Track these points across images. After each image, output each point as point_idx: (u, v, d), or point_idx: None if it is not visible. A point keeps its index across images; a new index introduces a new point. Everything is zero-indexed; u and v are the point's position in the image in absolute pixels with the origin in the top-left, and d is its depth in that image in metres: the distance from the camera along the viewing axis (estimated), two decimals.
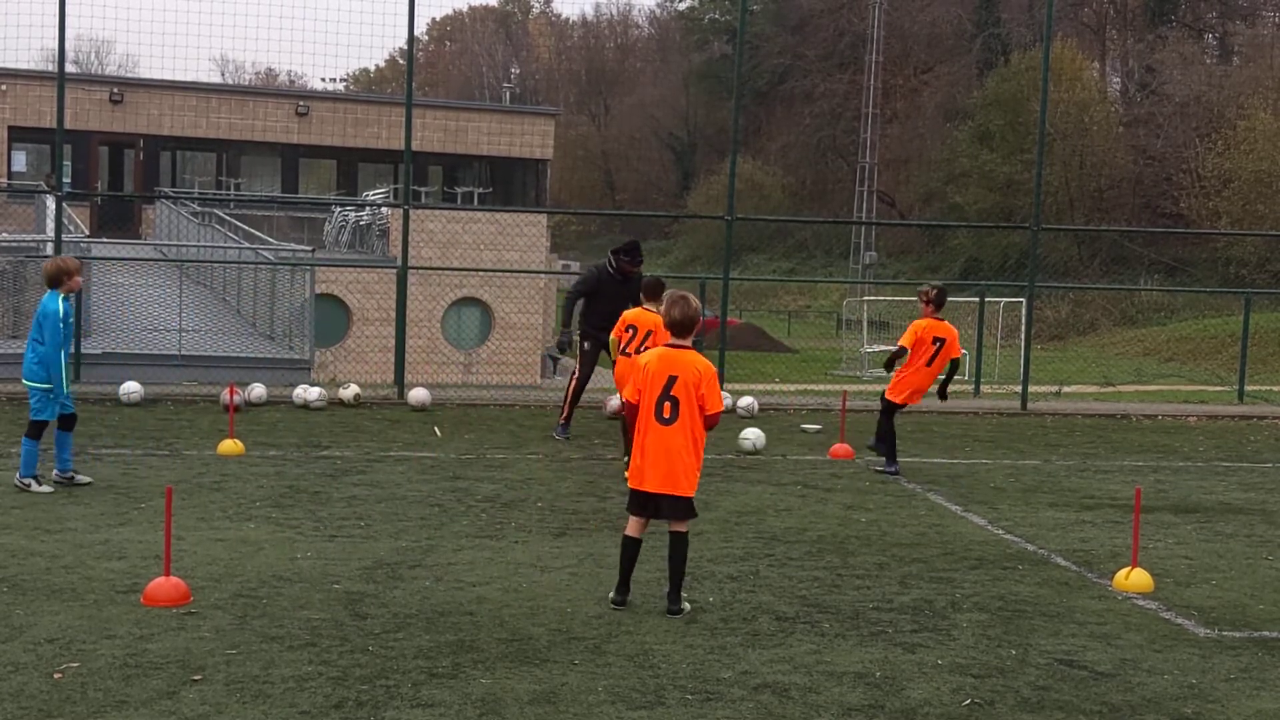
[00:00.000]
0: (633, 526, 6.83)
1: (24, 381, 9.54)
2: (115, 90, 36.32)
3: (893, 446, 11.62)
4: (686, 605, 6.80)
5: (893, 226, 61.27)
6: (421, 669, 5.78)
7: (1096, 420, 16.44)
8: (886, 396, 11.58)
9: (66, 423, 9.67)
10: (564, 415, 13.23)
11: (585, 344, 13.37)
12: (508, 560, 7.87)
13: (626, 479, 6.94)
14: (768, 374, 24.72)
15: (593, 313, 13.13)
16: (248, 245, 23.04)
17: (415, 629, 6.38)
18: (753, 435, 12.75)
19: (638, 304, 12.99)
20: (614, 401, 14.99)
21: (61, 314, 9.33)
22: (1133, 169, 53.24)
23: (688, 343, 6.76)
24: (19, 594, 6.79)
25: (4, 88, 34.11)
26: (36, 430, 9.47)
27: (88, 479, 9.76)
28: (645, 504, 6.75)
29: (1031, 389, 17.91)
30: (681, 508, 6.71)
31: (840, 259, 64.86)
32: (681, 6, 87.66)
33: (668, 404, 6.59)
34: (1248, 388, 19.63)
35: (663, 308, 6.88)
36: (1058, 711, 5.53)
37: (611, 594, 6.90)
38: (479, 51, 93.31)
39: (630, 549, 6.84)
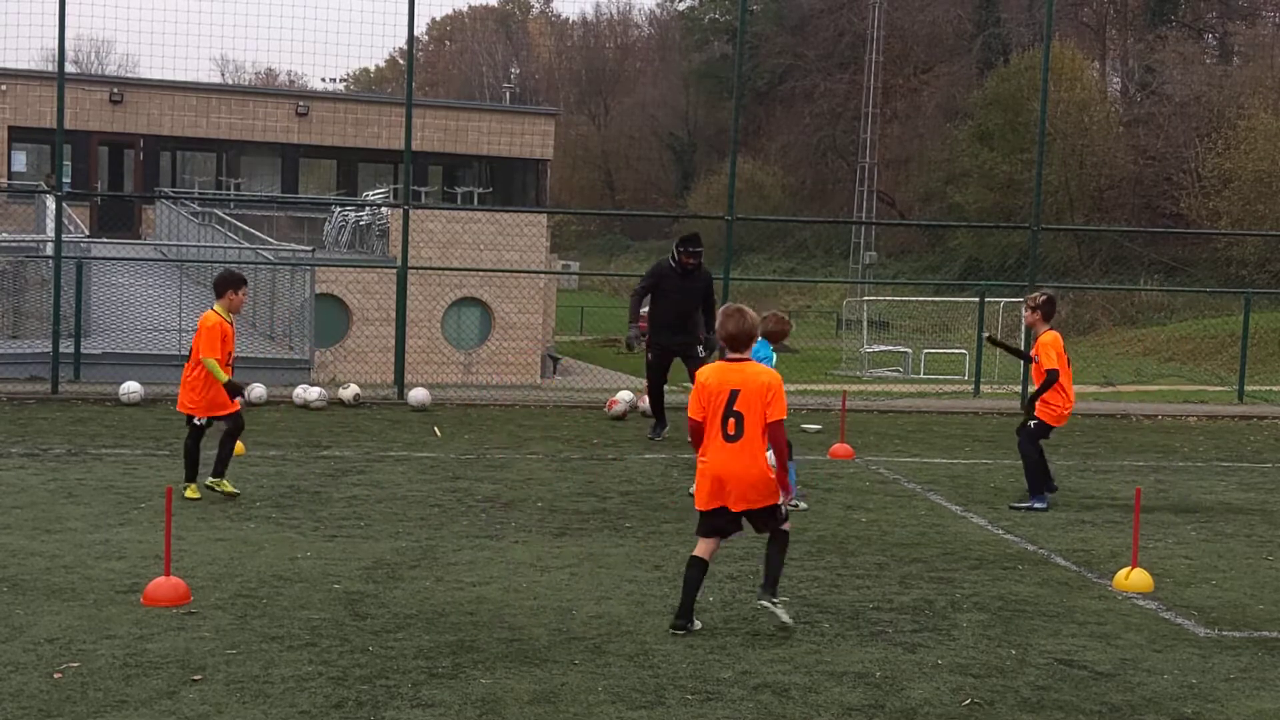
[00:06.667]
0: (704, 548, 6.49)
1: None
2: (115, 90, 36.31)
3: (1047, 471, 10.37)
4: (780, 604, 6.54)
5: (893, 226, 61.25)
6: (421, 669, 5.78)
7: (1096, 420, 16.43)
8: (1047, 422, 10.20)
9: None
10: (655, 421, 13.25)
11: (649, 352, 13.03)
12: (508, 560, 7.87)
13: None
14: None
15: (656, 311, 12.87)
16: (248, 245, 23.04)
17: (415, 629, 6.38)
18: None
19: (697, 301, 12.72)
20: (620, 404, 14.97)
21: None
22: (1133, 169, 53.19)
23: (746, 356, 6.55)
24: (19, 594, 6.79)
25: (4, 88, 34.09)
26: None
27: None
28: (723, 522, 6.50)
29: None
30: (774, 514, 6.53)
31: (840, 259, 64.85)
32: (681, 6, 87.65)
33: (732, 420, 6.36)
34: (1248, 388, 19.62)
35: (718, 321, 6.61)
36: (1058, 711, 5.53)
37: (675, 619, 6.49)
38: (479, 51, 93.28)
39: (698, 570, 6.47)
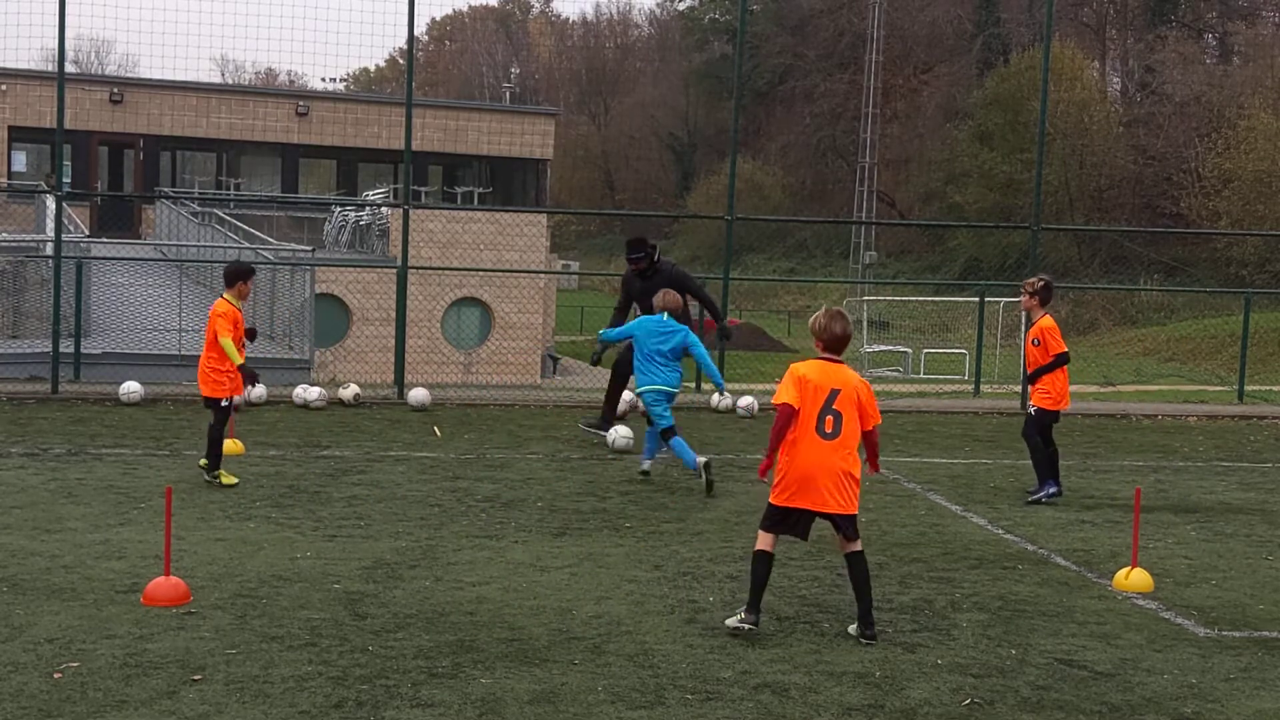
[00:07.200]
0: (768, 541, 6.48)
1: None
2: (115, 90, 36.32)
3: (1055, 463, 10.44)
4: (875, 636, 6.44)
5: (893, 226, 61.28)
6: (421, 669, 5.78)
7: (1096, 420, 16.43)
8: (1048, 409, 10.39)
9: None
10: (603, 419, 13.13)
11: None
12: (508, 560, 7.87)
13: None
14: (768, 374, 24.67)
15: (639, 313, 13.02)
16: (248, 245, 23.04)
17: (415, 629, 6.38)
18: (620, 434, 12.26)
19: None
20: (620, 404, 14.94)
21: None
22: (1133, 169, 53.22)
23: (841, 358, 6.57)
24: (19, 594, 6.79)
25: (4, 88, 34.11)
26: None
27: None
28: (794, 522, 6.50)
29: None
30: (853, 526, 6.51)
31: (840, 259, 64.86)
32: (681, 6, 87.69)
33: (830, 418, 6.38)
34: (1248, 388, 19.61)
35: (821, 322, 6.56)
36: (1058, 711, 5.53)
37: (740, 615, 6.43)
38: (479, 51, 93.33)
39: (766, 565, 6.45)
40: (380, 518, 8.99)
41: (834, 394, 6.40)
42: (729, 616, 6.52)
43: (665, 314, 10.99)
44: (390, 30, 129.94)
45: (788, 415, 6.40)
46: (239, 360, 9.86)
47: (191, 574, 7.18)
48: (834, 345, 6.54)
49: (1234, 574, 8.16)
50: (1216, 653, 6.44)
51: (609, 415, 13.07)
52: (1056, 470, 10.44)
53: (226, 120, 37.55)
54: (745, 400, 15.77)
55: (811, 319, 6.65)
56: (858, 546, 6.52)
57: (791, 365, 6.58)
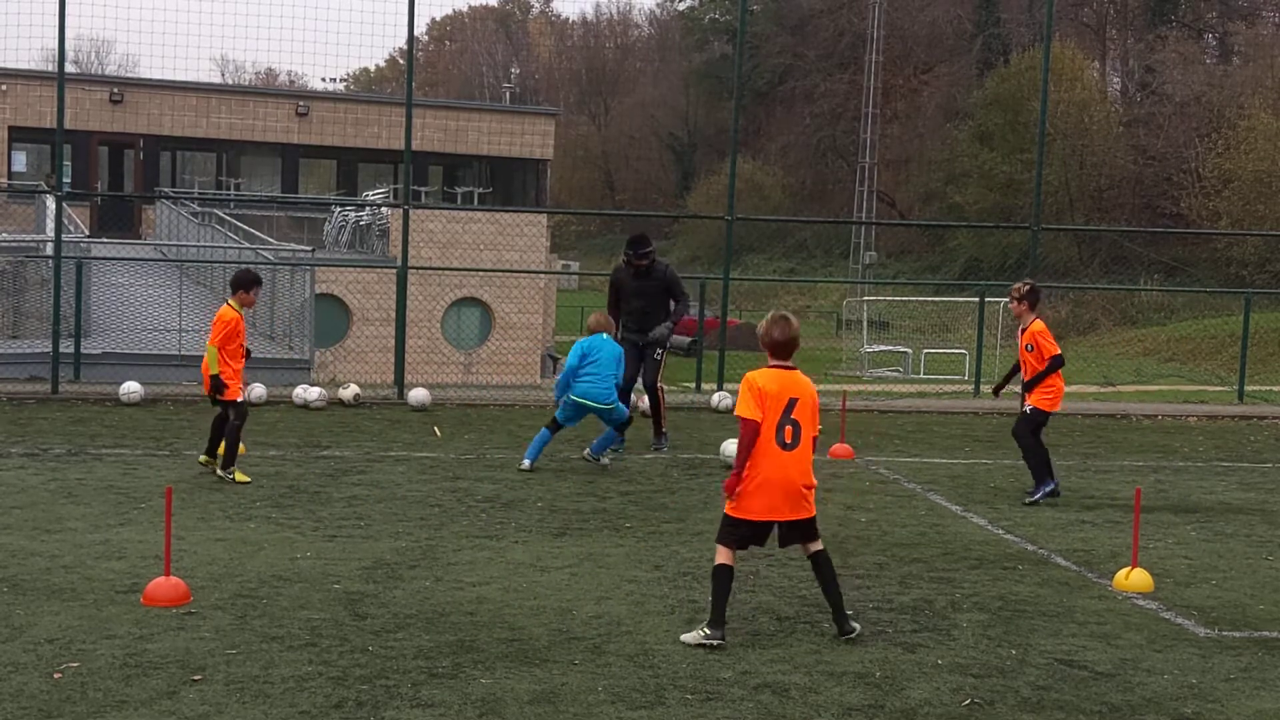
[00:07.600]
0: (728, 555, 6.35)
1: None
2: (115, 90, 36.32)
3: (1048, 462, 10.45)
4: (857, 625, 6.46)
5: (893, 226, 61.28)
6: (421, 669, 5.78)
7: (1096, 420, 16.43)
8: (1045, 409, 10.40)
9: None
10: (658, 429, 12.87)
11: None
12: (508, 560, 7.87)
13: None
14: None
15: (623, 311, 12.90)
16: (248, 245, 23.05)
17: (415, 629, 6.38)
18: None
19: (657, 298, 12.78)
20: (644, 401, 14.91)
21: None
22: (1133, 169, 53.19)
23: (792, 363, 6.47)
24: (19, 594, 6.79)
25: (4, 88, 34.10)
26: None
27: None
28: (753, 533, 6.41)
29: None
30: (813, 527, 6.45)
31: (840, 259, 64.86)
32: (681, 6, 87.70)
33: (789, 428, 6.27)
34: (1248, 388, 19.62)
35: (762, 328, 6.47)
36: (1058, 711, 5.53)
37: (705, 631, 6.25)
38: (479, 51, 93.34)
39: (728, 578, 6.34)
40: (380, 518, 8.99)
41: (792, 403, 6.29)
42: (685, 632, 6.36)
43: (603, 334, 11.39)
44: (390, 30, 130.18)
45: (753, 430, 6.24)
46: (215, 370, 9.96)
47: (191, 574, 7.18)
48: (779, 351, 6.41)
49: (1234, 574, 8.16)
50: (1216, 653, 6.44)
51: (658, 428, 12.84)
52: (1051, 467, 10.45)
53: (226, 120, 37.55)
54: None
55: (759, 326, 6.55)
56: (819, 546, 6.47)
57: (746, 376, 6.42)
